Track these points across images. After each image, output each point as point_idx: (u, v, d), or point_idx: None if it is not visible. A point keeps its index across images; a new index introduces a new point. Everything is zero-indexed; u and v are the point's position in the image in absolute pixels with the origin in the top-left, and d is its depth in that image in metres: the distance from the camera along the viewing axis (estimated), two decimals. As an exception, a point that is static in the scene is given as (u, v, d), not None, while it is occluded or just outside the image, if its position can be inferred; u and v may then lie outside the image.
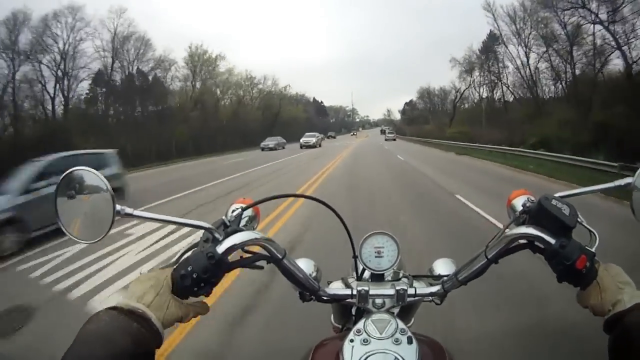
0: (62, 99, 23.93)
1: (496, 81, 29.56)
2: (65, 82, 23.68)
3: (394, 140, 40.52)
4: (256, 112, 44.22)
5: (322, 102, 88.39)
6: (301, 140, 31.01)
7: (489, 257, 0.64)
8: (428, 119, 42.67)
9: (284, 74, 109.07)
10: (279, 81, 56.93)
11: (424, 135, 34.01)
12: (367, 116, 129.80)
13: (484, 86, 31.52)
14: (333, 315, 0.96)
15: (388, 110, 78.98)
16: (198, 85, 35.74)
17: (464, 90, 34.75)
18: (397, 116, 71.87)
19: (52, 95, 22.95)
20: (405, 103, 67.52)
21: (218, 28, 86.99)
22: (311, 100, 77.66)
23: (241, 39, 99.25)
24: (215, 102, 37.66)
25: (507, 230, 0.63)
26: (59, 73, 23.38)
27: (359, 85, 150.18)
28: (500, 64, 28.56)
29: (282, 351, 2.17)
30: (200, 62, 35.29)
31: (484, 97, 31.62)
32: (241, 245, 0.59)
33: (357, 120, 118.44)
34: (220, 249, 0.57)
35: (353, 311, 0.79)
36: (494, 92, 30.71)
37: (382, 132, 68.89)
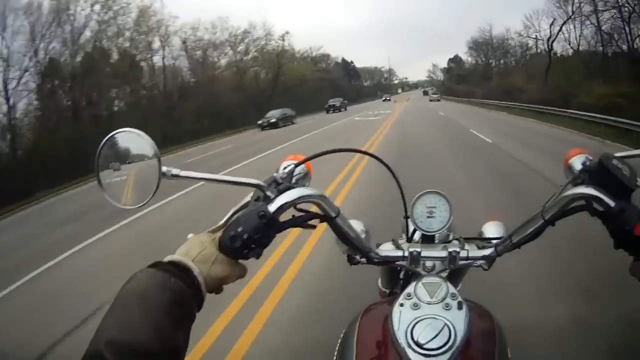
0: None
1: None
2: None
3: (439, 100, 38.53)
4: (247, 78, 32.16)
5: (352, 62, 74.14)
6: None
7: (545, 218, 0.60)
8: (489, 74, 32.83)
9: (313, 40, 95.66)
10: (274, 30, 42.64)
11: (507, 97, 20.23)
12: (406, 78, 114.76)
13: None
14: (380, 279, 0.92)
15: (433, 65, 62.96)
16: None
17: (564, 23, 21.81)
18: (440, 75, 61.41)
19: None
20: (450, 59, 54.87)
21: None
22: (339, 60, 65.66)
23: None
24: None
25: (564, 191, 0.59)
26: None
27: (396, 47, 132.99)
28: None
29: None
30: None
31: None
32: (294, 203, 0.56)
33: (396, 82, 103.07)
34: (272, 207, 0.54)
35: (401, 275, 0.75)
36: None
37: (425, 93, 63.79)
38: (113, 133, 0.54)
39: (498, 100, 21.12)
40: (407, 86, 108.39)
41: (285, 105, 26.75)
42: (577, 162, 0.67)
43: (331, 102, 35.53)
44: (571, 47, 22.14)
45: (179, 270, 0.46)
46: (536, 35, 25.30)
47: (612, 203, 0.54)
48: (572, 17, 20.48)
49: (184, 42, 28.07)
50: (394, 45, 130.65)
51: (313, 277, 2.78)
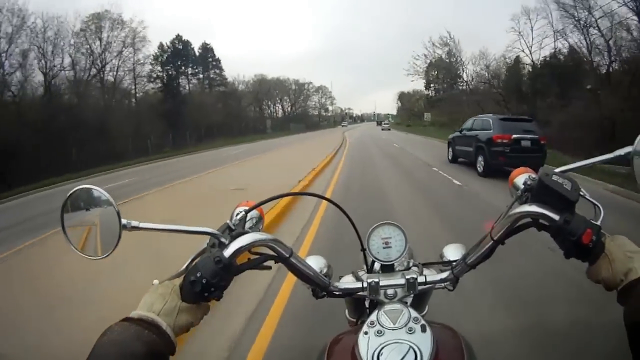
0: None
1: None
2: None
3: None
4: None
5: (208, 45, 42.44)
6: None
7: (494, 238, 0.63)
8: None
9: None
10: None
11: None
12: (350, 108, 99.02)
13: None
14: (347, 309, 0.95)
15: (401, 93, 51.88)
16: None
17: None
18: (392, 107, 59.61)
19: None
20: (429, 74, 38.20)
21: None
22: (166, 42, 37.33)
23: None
24: None
25: (510, 210, 0.62)
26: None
27: (343, 80, 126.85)
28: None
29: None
30: None
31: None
32: (247, 247, 0.60)
33: (330, 110, 73.97)
34: (227, 252, 0.57)
35: (367, 304, 0.77)
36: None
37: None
38: (77, 188, 0.59)
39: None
40: (350, 118, 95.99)
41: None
42: (520, 182, 0.68)
43: None
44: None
45: (149, 323, 0.51)
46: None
47: (556, 217, 0.56)
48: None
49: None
50: (342, 77, 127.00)
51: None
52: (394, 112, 72.67)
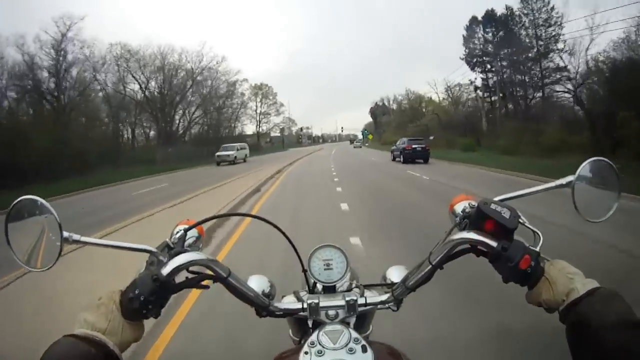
0: None
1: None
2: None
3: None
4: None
5: None
6: None
7: (433, 263, 0.65)
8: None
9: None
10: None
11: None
12: (308, 127, 77.13)
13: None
14: (290, 329, 0.93)
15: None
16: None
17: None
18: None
19: None
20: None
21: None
22: None
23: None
24: None
25: (449, 236, 0.65)
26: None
27: (302, 100, 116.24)
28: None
29: None
30: None
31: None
32: (185, 266, 0.61)
33: (272, 122, 49.45)
34: (165, 271, 0.58)
35: (310, 324, 0.76)
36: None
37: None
38: (21, 198, 0.59)
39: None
40: (309, 138, 77.49)
41: None
42: (459, 208, 0.72)
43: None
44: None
45: (96, 343, 0.51)
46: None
47: (493, 244, 0.59)
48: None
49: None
50: (300, 97, 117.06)
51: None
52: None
